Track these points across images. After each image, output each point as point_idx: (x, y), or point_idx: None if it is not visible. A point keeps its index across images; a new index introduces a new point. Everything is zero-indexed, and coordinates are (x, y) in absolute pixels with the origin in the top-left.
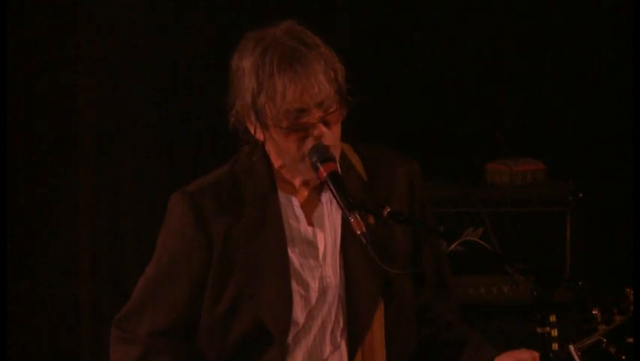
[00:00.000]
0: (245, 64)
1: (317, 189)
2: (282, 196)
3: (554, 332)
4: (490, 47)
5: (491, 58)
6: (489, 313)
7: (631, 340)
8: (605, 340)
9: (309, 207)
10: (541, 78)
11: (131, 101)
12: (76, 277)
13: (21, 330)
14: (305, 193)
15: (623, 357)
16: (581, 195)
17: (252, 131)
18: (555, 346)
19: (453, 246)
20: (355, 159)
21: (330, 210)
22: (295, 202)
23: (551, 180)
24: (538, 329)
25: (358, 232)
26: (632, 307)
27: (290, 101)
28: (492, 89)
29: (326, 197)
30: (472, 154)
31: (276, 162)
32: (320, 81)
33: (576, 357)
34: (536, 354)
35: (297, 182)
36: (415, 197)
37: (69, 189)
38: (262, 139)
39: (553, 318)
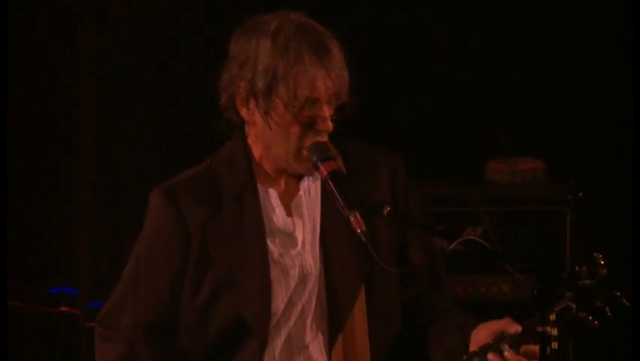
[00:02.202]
0: (259, 47)
1: (295, 179)
2: (260, 189)
3: (554, 331)
4: (490, 45)
5: (491, 57)
6: (489, 312)
7: (600, 304)
8: (574, 306)
9: (288, 197)
10: (542, 77)
11: (131, 100)
12: (77, 276)
13: (21, 330)
14: (283, 184)
15: (596, 322)
16: (580, 194)
17: (244, 113)
18: (555, 345)
19: (453, 245)
20: (336, 155)
21: (308, 200)
22: (273, 194)
23: (551, 179)
24: (539, 328)
25: (358, 231)
26: (599, 271)
27: (312, 90)
28: (492, 88)
29: (304, 186)
30: (472, 153)
31: (258, 152)
32: (342, 75)
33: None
34: (510, 320)
35: (276, 173)
36: (398, 192)
37: (69, 189)
38: (253, 123)
39: (553, 317)
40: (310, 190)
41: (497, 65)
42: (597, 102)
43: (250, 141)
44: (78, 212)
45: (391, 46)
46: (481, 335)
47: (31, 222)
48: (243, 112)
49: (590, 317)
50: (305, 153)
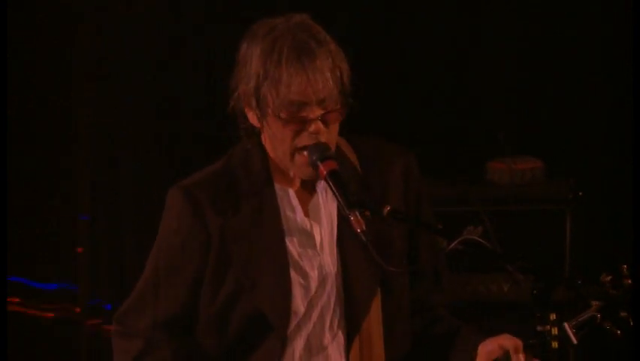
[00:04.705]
0: (253, 50)
1: (311, 180)
2: (277, 188)
3: (554, 330)
4: (490, 45)
5: (491, 56)
6: (489, 311)
7: (625, 314)
8: (599, 315)
9: (305, 197)
10: (542, 77)
11: (131, 100)
12: (76, 277)
13: (21, 329)
14: (299, 184)
15: (618, 332)
16: (580, 193)
17: (250, 117)
18: (555, 344)
19: (453, 244)
20: (350, 153)
21: (325, 200)
22: (291, 194)
23: (551, 179)
24: (538, 327)
25: (358, 230)
26: (625, 282)
27: (293, 93)
28: (492, 88)
29: (321, 187)
30: (472, 153)
31: (272, 152)
32: (325, 78)
33: (571, 334)
34: (519, 342)
35: (291, 172)
36: (410, 189)
37: (68, 189)
38: (259, 126)
39: (553, 316)
40: (327, 191)
41: (497, 65)
42: (597, 102)
43: (264, 140)
44: (78, 211)
45: (391, 46)
46: (487, 348)
47: (31, 222)
48: (250, 115)
49: (614, 327)
50: (299, 156)
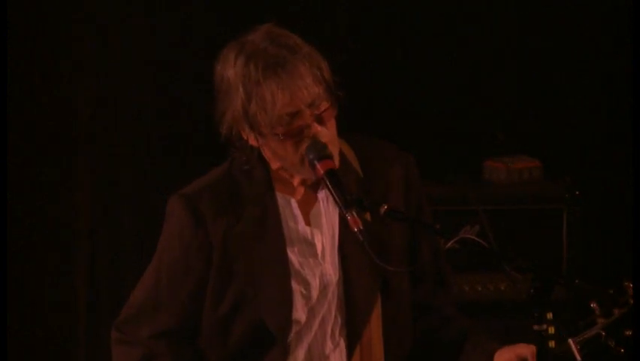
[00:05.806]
0: (229, 74)
1: (313, 187)
2: (279, 197)
3: (551, 330)
4: (488, 44)
5: (489, 55)
6: (486, 310)
7: (629, 333)
8: (604, 333)
9: (306, 205)
10: (539, 76)
11: (131, 100)
12: (75, 277)
13: (20, 331)
14: (302, 191)
15: (622, 350)
16: (577, 192)
17: (247, 139)
18: (552, 343)
19: (450, 243)
20: (351, 155)
21: (327, 208)
22: (293, 203)
23: (548, 178)
24: (535, 327)
25: (355, 230)
26: (630, 300)
27: (281, 107)
28: (489, 87)
29: (322, 194)
30: (469, 152)
31: (274, 164)
32: (307, 83)
33: (575, 351)
34: (534, 348)
35: (294, 181)
36: (411, 190)
37: (68, 189)
38: (258, 145)
39: (550, 315)
40: (328, 198)
41: (495, 64)
42: (594, 101)
43: (265, 154)
44: (77, 213)
45: (390, 45)
46: (504, 357)
47: (30, 223)
48: (247, 137)
49: (617, 346)
50: (307, 159)
